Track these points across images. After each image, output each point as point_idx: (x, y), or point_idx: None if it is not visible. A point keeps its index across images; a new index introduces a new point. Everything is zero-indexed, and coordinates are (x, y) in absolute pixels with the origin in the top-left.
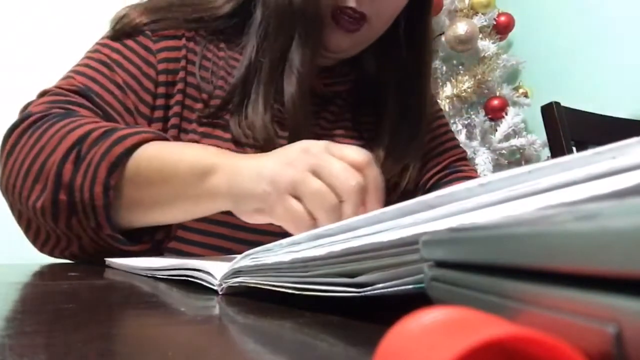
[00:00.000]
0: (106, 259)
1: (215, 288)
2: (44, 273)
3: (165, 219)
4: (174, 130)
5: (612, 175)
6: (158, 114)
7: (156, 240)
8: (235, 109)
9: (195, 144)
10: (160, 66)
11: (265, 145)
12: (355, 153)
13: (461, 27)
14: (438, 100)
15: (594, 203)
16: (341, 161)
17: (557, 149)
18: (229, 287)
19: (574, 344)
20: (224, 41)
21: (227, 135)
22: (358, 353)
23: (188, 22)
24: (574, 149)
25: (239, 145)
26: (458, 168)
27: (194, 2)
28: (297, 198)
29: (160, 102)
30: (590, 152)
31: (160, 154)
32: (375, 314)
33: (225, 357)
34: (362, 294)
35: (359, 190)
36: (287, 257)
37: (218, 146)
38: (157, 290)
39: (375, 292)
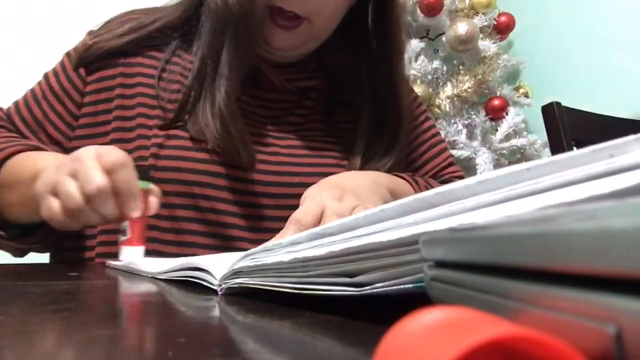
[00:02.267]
0: (107, 261)
1: (215, 288)
2: (45, 273)
3: (29, 217)
4: (138, 141)
5: (611, 175)
6: (97, 129)
7: (42, 234)
8: (192, 109)
9: (51, 153)
10: (89, 88)
11: (214, 143)
12: (109, 155)
13: (462, 27)
14: (437, 100)
15: (593, 203)
16: (94, 165)
17: (558, 149)
18: (229, 287)
19: (574, 344)
20: (179, 48)
21: (185, 134)
22: (358, 353)
23: (146, 42)
24: (575, 149)
25: (197, 142)
26: (444, 178)
27: (150, 19)
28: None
29: (87, 120)
30: (588, 149)
31: (17, 164)
32: (375, 314)
33: (226, 357)
34: (361, 293)
35: (101, 193)
36: (286, 257)
37: (180, 145)
38: (157, 290)
39: (375, 291)
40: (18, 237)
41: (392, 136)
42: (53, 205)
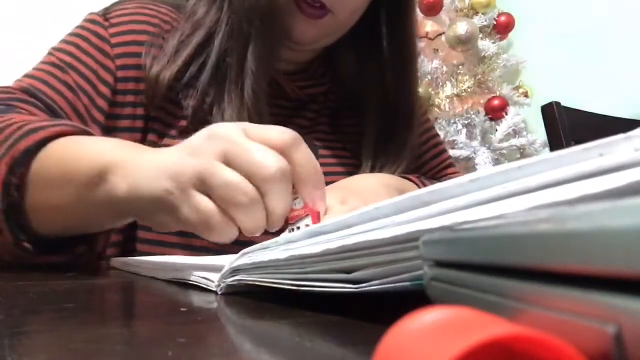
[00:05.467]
0: (112, 259)
1: (214, 289)
2: (44, 273)
3: (74, 228)
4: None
5: (601, 175)
6: (126, 123)
7: (76, 253)
8: (213, 112)
9: (113, 139)
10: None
11: None
12: (277, 133)
13: (461, 27)
14: (437, 100)
15: (588, 203)
16: (259, 144)
17: (558, 149)
18: (228, 286)
19: (574, 344)
20: None
21: None
22: (358, 353)
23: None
24: None
25: None
26: (443, 179)
27: (189, 28)
28: (207, 195)
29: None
30: (578, 148)
31: (65, 150)
32: (375, 314)
33: (225, 357)
34: (359, 290)
35: (283, 178)
36: (283, 255)
37: None
38: (157, 290)
39: (372, 288)
40: (42, 253)
41: (402, 143)
42: (206, 205)
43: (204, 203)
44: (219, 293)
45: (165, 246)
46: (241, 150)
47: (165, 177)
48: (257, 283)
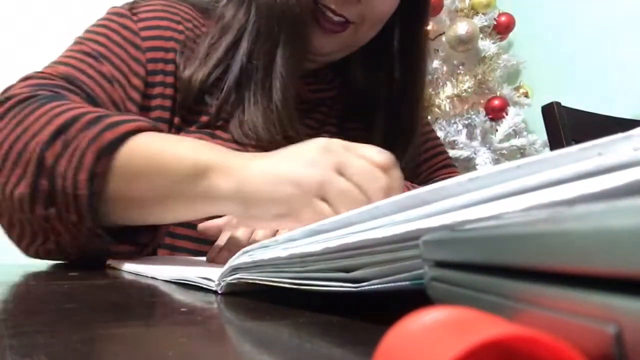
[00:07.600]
0: (109, 260)
1: (214, 288)
2: (44, 273)
3: (154, 219)
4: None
5: (600, 174)
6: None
7: (140, 243)
8: (234, 111)
9: (192, 139)
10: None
11: (268, 145)
12: (378, 153)
13: (462, 27)
14: (437, 100)
15: (588, 202)
16: (365, 160)
17: (558, 149)
18: (228, 284)
19: (574, 344)
20: None
21: (227, 136)
22: (358, 353)
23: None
24: None
25: (241, 145)
26: (437, 179)
27: (218, 31)
28: (324, 200)
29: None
30: (577, 147)
31: (154, 145)
32: (375, 314)
33: (225, 357)
34: (359, 289)
35: (386, 192)
36: (284, 253)
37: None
38: (157, 291)
39: (372, 287)
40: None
41: (402, 151)
42: (325, 209)
43: (323, 207)
44: (219, 292)
45: (173, 237)
46: (353, 164)
47: (287, 183)
48: (257, 281)
